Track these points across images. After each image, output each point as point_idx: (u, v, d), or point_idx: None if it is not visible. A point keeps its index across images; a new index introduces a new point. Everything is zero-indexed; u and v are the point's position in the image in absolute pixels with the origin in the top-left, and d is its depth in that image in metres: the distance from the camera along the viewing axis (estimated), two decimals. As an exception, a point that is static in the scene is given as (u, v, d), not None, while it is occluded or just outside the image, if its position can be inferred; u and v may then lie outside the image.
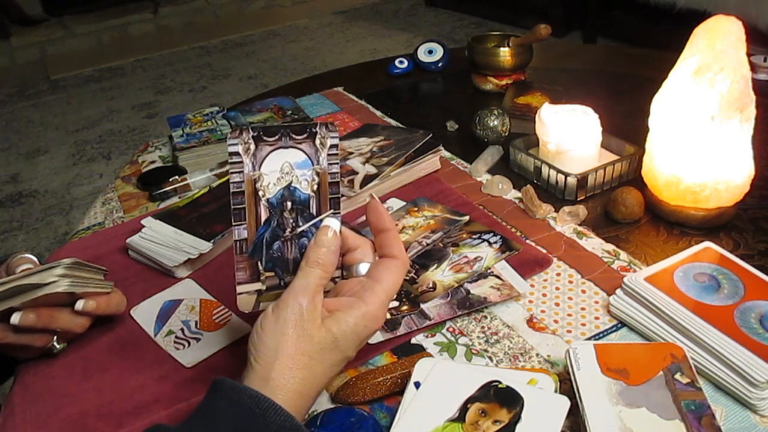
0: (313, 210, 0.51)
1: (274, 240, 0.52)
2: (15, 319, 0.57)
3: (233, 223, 0.51)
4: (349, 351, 0.50)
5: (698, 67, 0.69)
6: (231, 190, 0.51)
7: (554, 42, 2.85)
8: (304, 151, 0.50)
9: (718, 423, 0.47)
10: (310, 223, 0.51)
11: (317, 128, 0.49)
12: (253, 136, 0.50)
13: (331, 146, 0.49)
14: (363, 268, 0.53)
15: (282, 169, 0.50)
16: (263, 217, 0.51)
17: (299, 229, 0.51)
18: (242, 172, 0.50)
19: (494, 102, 1.14)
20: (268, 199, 0.51)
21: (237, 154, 0.50)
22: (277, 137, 0.50)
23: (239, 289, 0.52)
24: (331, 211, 0.51)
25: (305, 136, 0.50)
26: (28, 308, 0.58)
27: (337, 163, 0.51)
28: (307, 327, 0.48)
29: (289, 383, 0.47)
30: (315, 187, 0.50)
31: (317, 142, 0.50)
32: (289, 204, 0.51)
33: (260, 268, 0.52)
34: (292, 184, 0.50)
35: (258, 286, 0.52)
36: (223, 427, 0.44)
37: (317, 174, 0.50)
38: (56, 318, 0.60)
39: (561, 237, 0.76)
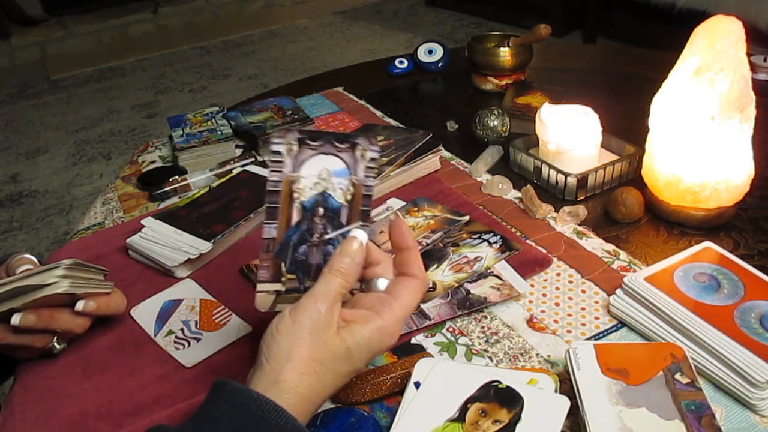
0: (343, 219, 0.51)
1: (301, 243, 0.52)
2: (15, 320, 0.57)
3: (264, 221, 0.51)
4: (360, 363, 0.49)
5: (698, 67, 0.69)
6: (267, 188, 0.51)
7: (554, 42, 2.85)
8: (343, 160, 0.50)
9: (718, 423, 0.47)
10: (339, 231, 0.51)
11: (359, 139, 0.50)
12: (298, 138, 0.50)
13: (371, 159, 0.49)
14: (382, 283, 0.53)
15: (320, 174, 0.51)
16: (294, 219, 0.51)
17: (327, 236, 0.51)
18: (281, 171, 0.50)
19: (494, 102, 1.14)
20: (302, 202, 0.51)
21: (279, 153, 0.50)
22: (320, 143, 0.50)
23: (260, 287, 0.52)
24: (360, 223, 0.51)
25: (347, 145, 0.50)
26: (29, 309, 0.58)
27: (374, 177, 0.51)
28: (323, 334, 0.48)
29: (297, 387, 0.47)
30: (349, 197, 0.50)
31: (357, 153, 0.50)
32: (321, 210, 0.51)
33: (283, 269, 0.52)
34: (327, 191, 0.51)
35: (278, 286, 0.52)
36: (224, 429, 0.44)
37: (353, 184, 0.50)
38: (56, 319, 0.60)
39: (561, 237, 0.76)
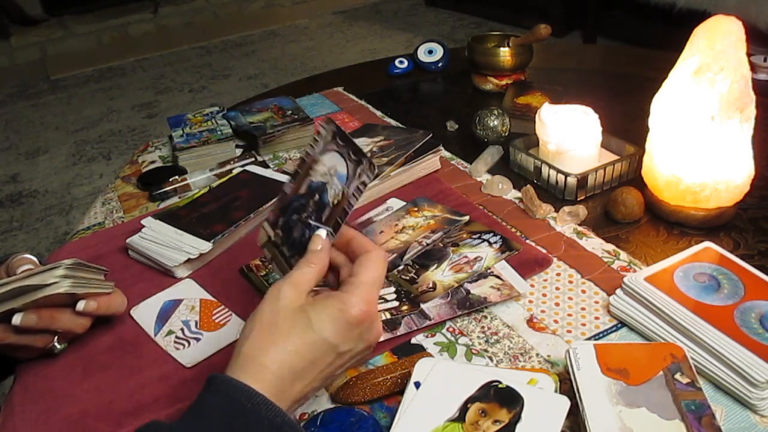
0: (324, 216, 0.55)
1: (293, 213, 0.58)
2: (16, 320, 0.57)
3: (289, 179, 0.59)
4: (328, 334, 0.49)
5: (698, 67, 0.69)
6: (300, 156, 0.59)
7: (554, 42, 2.85)
8: (347, 169, 0.55)
9: (718, 423, 0.47)
10: (314, 224, 0.56)
11: (364, 161, 0.54)
12: (333, 131, 0.56)
13: (362, 182, 0.53)
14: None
15: (329, 169, 0.56)
16: (302, 190, 0.58)
17: (308, 221, 0.56)
18: (314, 149, 0.57)
19: (494, 102, 1.14)
20: (311, 181, 0.57)
21: (320, 134, 0.57)
22: (343, 144, 0.55)
23: (263, 224, 0.60)
24: (330, 229, 0.55)
25: (356, 159, 0.54)
26: (30, 309, 0.58)
27: (357, 197, 0.54)
28: (282, 304, 0.50)
29: (255, 354, 0.48)
30: (335, 201, 0.55)
31: (358, 170, 0.54)
32: (316, 196, 0.57)
33: (280, 222, 0.59)
34: (327, 185, 0.56)
35: (271, 233, 0.59)
36: (216, 423, 0.45)
37: (342, 194, 0.54)
38: (57, 319, 0.60)
39: (561, 237, 0.76)
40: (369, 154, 0.90)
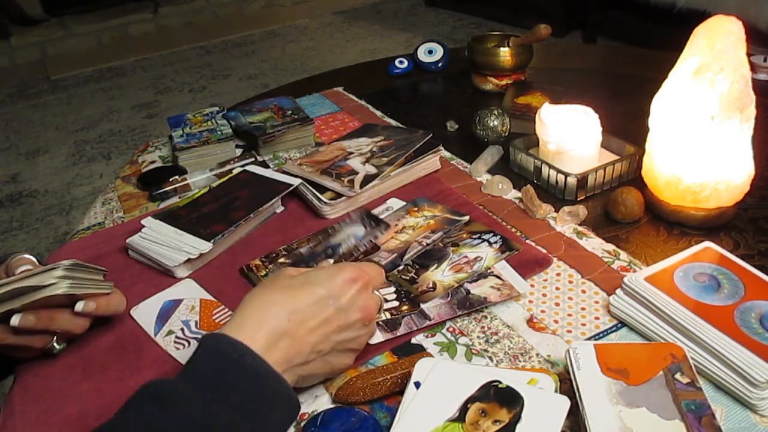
0: (333, 259, 0.72)
1: (304, 262, 0.72)
2: (15, 321, 0.57)
3: (307, 248, 0.76)
4: (323, 284, 0.54)
5: (698, 67, 0.69)
6: (326, 229, 0.78)
7: (554, 42, 2.85)
8: (364, 230, 0.74)
9: (718, 423, 0.47)
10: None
11: (382, 225, 0.75)
12: (363, 217, 0.77)
13: (375, 236, 0.74)
14: None
15: (348, 236, 0.74)
16: (318, 249, 0.75)
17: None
18: (340, 227, 0.77)
19: (494, 102, 1.14)
20: (330, 242, 0.75)
21: (350, 219, 0.78)
22: (367, 220, 0.76)
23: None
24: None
25: (374, 224, 0.75)
26: (28, 310, 0.58)
27: (367, 247, 0.72)
28: (281, 273, 0.57)
29: (256, 309, 0.53)
30: (346, 250, 0.73)
31: (374, 231, 0.74)
32: (330, 250, 0.74)
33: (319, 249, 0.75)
34: (342, 244, 0.74)
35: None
36: (203, 371, 0.48)
37: (355, 246, 0.73)
38: (56, 319, 0.60)
39: (561, 237, 0.76)
40: (369, 155, 0.91)
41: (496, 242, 0.74)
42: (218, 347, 0.49)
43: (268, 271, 0.74)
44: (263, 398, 0.49)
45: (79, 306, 0.61)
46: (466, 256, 0.72)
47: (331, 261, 0.65)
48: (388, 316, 0.64)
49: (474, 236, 0.75)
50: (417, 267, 0.71)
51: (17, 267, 0.63)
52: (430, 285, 0.68)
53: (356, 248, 0.70)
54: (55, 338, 0.63)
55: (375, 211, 0.83)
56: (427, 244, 0.75)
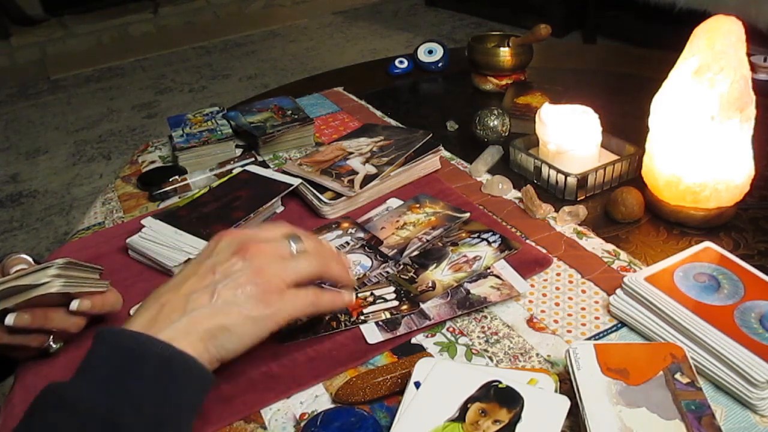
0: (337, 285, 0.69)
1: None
2: (9, 320, 0.57)
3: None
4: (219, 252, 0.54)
5: (698, 67, 0.69)
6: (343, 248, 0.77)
7: (554, 42, 2.85)
8: (371, 262, 0.73)
9: (718, 423, 0.47)
10: (327, 287, 0.65)
11: (391, 261, 0.73)
12: (363, 243, 0.77)
13: (386, 270, 0.72)
14: None
15: (353, 263, 0.73)
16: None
17: (322, 285, 0.65)
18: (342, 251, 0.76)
19: (494, 102, 1.14)
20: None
21: (348, 245, 0.77)
22: (371, 251, 0.75)
23: None
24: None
25: (381, 259, 0.74)
26: (23, 309, 0.58)
27: (379, 280, 0.71)
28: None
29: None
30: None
31: (382, 264, 0.73)
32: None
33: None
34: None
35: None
36: (104, 371, 0.46)
37: (364, 274, 0.72)
38: (51, 318, 0.60)
39: (561, 237, 0.76)
40: (369, 155, 0.91)
41: (495, 241, 0.74)
42: (113, 339, 0.48)
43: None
44: (169, 380, 0.46)
45: (74, 304, 0.61)
46: (465, 256, 0.72)
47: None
48: (388, 315, 0.64)
49: (473, 235, 0.75)
50: (416, 266, 0.71)
51: (12, 267, 0.63)
52: (430, 284, 0.68)
53: (367, 278, 0.70)
54: (51, 337, 0.62)
55: (375, 211, 0.84)
56: (427, 241, 0.75)
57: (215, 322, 0.50)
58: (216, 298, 0.51)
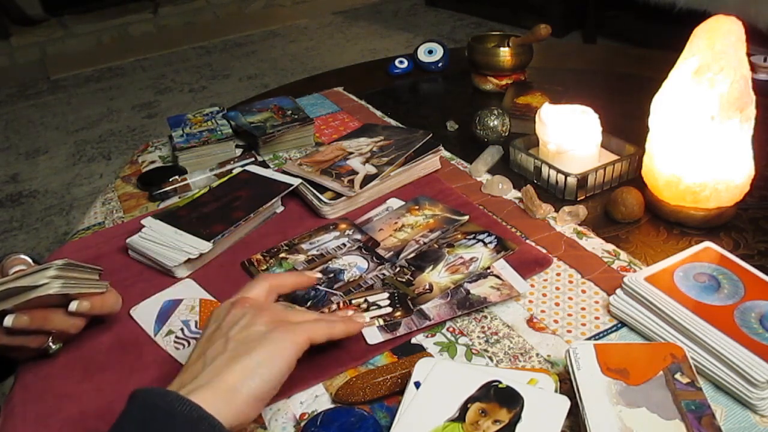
0: (335, 286, 0.71)
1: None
2: (8, 321, 0.57)
3: (302, 267, 0.75)
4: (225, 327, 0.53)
5: (698, 67, 0.69)
6: (320, 252, 0.76)
7: (554, 42, 2.85)
8: (367, 264, 0.73)
9: (718, 423, 0.47)
10: (324, 290, 0.70)
11: (387, 263, 0.73)
12: (360, 246, 0.76)
13: (382, 273, 0.72)
14: None
15: (349, 264, 0.73)
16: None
17: (317, 287, 0.70)
18: (336, 252, 0.76)
19: (494, 102, 1.14)
20: (329, 266, 0.74)
21: (345, 246, 0.77)
22: (367, 253, 0.75)
23: None
24: (341, 293, 0.69)
25: (377, 261, 0.73)
26: (22, 310, 0.58)
27: (375, 282, 0.70)
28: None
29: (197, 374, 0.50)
30: (351, 279, 0.71)
31: (378, 267, 0.72)
32: (331, 274, 0.72)
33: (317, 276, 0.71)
34: (344, 271, 0.73)
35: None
36: (132, 426, 0.44)
37: (360, 276, 0.71)
38: (50, 319, 0.60)
39: (561, 237, 0.76)
40: (369, 155, 0.91)
41: (491, 242, 0.74)
42: (146, 398, 0.46)
43: (269, 266, 0.74)
44: None
45: (73, 306, 0.60)
46: (461, 257, 0.72)
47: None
48: (382, 322, 0.64)
49: (469, 236, 0.75)
50: (413, 269, 0.71)
51: (11, 267, 0.63)
52: (427, 287, 0.68)
53: (363, 279, 0.70)
54: (50, 338, 0.62)
55: (375, 211, 0.84)
56: (424, 243, 0.75)
57: (236, 362, 0.49)
58: (230, 343, 0.51)
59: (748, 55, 0.70)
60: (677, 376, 0.51)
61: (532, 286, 0.69)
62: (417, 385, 0.52)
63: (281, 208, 0.87)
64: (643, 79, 1.13)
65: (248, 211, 0.81)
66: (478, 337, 0.63)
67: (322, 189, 0.85)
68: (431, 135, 0.93)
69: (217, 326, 0.53)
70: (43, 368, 0.63)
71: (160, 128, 3.03)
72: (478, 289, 0.67)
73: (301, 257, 0.75)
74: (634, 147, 0.86)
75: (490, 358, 0.60)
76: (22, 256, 0.64)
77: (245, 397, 0.48)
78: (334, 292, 0.69)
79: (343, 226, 0.81)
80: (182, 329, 0.67)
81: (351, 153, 0.93)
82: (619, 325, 0.63)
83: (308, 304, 0.67)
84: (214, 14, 4.72)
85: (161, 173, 0.99)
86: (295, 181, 0.86)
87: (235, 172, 0.92)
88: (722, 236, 0.75)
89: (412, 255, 0.74)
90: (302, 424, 0.54)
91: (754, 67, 1.05)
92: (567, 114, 0.85)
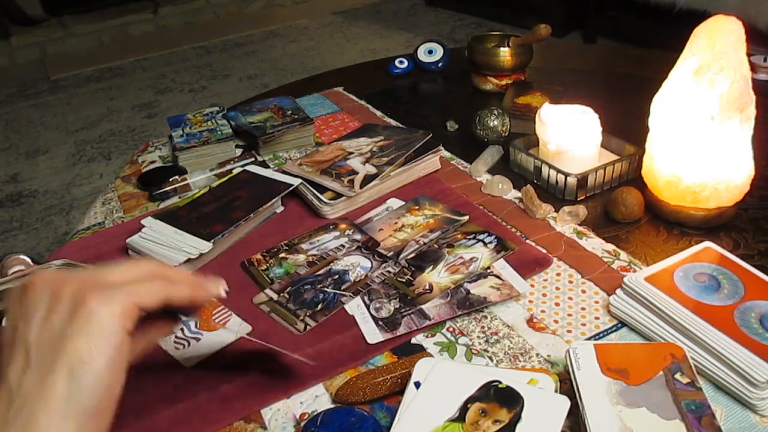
0: (343, 286, 0.70)
1: (305, 284, 0.72)
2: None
3: (304, 269, 0.74)
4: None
5: (698, 67, 0.69)
6: (320, 253, 0.76)
7: (554, 42, 2.85)
8: (371, 263, 0.73)
9: (718, 423, 0.47)
10: (332, 291, 0.70)
11: (390, 260, 0.73)
12: (359, 245, 0.76)
13: (387, 270, 0.72)
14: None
15: (352, 264, 0.73)
16: (319, 273, 0.73)
17: (325, 289, 0.70)
18: (337, 253, 0.75)
19: (494, 102, 1.14)
20: (332, 268, 0.73)
21: (344, 247, 0.76)
22: (367, 252, 0.75)
23: (265, 290, 0.72)
24: (350, 293, 0.69)
25: (380, 259, 0.73)
26: None
27: (381, 279, 0.70)
28: None
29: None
30: (357, 279, 0.71)
31: (382, 265, 0.72)
32: (336, 276, 0.72)
33: (288, 289, 0.72)
34: (349, 271, 0.72)
35: (274, 296, 0.70)
36: None
37: (366, 275, 0.71)
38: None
39: (561, 237, 0.76)
40: (369, 155, 0.91)
41: (491, 242, 0.74)
42: None
43: (269, 266, 0.74)
44: None
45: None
46: (461, 257, 0.72)
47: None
48: (387, 314, 0.64)
49: (469, 236, 0.75)
50: (413, 269, 0.71)
51: (11, 267, 0.63)
52: (427, 287, 0.68)
53: (369, 278, 0.70)
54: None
55: (375, 211, 0.84)
56: (424, 243, 0.75)
57: (44, 386, 0.38)
58: (32, 351, 0.39)
59: (748, 55, 0.70)
60: (677, 376, 0.51)
61: (532, 286, 0.69)
62: (417, 385, 0.52)
63: (281, 208, 0.87)
64: (643, 79, 1.13)
65: (248, 211, 0.81)
66: (478, 337, 0.63)
67: (322, 189, 0.85)
68: (431, 135, 0.93)
69: (13, 329, 0.40)
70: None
71: (160, 128, 3.03)
72: (478, 289, 0.67)
73: (301, 257, 0.75)
74: (634, 147, 0.86)
75: (490, 358, 0.60)
76: (22, 256, 0.64)
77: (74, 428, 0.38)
78: (344, 293, 0.69)
79: (343, 226, 0.81)
80: (182, 329, 0.67)
81: (351, 153, 0.93)
82: (619, 325, 0.63)
83: (319, 307, 0.67)
84: (214, 14, 4.72)
85: (161, 173, 0.99)
86: (295, 181, 0.86)
87: (235, 172, 0.92)
88: (722, 236, 0.75)
89: (412, 255, 0.74)
90: (302, 424, 0.54)
91: (754, 67, 1.05)
92: (567, 114, 0.85)
